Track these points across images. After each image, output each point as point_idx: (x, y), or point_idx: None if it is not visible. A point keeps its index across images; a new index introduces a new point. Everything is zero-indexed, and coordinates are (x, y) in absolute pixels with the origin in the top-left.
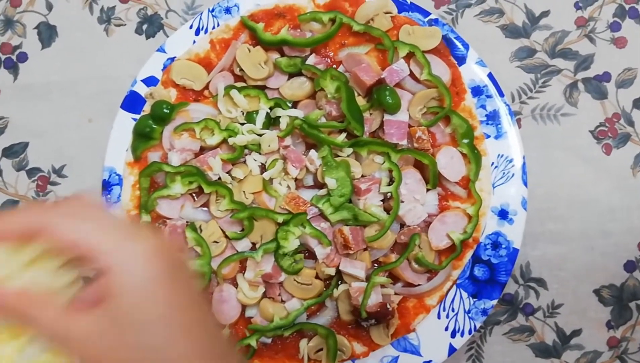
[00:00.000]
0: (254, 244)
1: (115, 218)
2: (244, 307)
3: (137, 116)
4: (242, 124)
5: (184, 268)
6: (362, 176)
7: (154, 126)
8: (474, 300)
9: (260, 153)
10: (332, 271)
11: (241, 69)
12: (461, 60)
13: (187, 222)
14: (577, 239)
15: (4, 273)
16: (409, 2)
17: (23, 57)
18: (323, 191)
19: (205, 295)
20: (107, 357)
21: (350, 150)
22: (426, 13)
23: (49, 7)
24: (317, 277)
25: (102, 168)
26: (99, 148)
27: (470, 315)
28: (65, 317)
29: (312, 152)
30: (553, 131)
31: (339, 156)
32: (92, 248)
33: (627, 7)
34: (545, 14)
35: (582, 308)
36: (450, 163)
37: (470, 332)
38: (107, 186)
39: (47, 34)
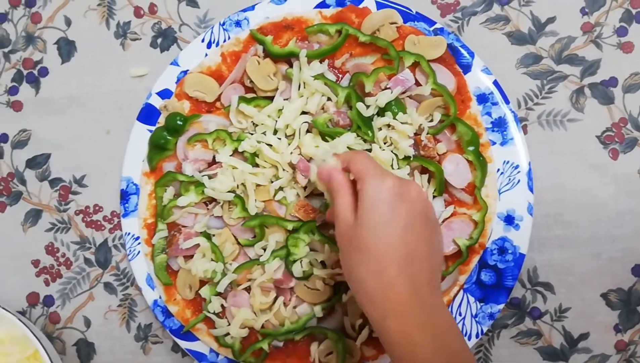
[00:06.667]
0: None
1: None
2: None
3: (153, 128)
4: (252, 134)
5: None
6: None
7: (168, 137)
8: (481, 304)
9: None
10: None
11: (251, 81)
12: (467, 68)
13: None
14: (585, 244)
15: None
16: (414, 12)
17: (44, 71)
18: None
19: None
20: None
21: None
22: (431, 22)
23: (68, 22)
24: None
25: (120, 178)
26: (116, 158)
27: (477, 319)
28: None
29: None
30: (560, 136)
31: None
32: (364, 175)
33: (633, 11)
34: (551, 20)
35: (590, 312)
36: (456, 169)
37: (477, 336)
38: (125, 195)
39: (66, 49)
